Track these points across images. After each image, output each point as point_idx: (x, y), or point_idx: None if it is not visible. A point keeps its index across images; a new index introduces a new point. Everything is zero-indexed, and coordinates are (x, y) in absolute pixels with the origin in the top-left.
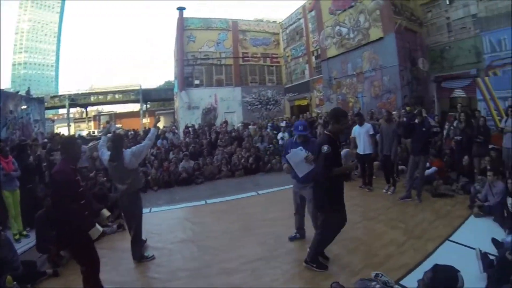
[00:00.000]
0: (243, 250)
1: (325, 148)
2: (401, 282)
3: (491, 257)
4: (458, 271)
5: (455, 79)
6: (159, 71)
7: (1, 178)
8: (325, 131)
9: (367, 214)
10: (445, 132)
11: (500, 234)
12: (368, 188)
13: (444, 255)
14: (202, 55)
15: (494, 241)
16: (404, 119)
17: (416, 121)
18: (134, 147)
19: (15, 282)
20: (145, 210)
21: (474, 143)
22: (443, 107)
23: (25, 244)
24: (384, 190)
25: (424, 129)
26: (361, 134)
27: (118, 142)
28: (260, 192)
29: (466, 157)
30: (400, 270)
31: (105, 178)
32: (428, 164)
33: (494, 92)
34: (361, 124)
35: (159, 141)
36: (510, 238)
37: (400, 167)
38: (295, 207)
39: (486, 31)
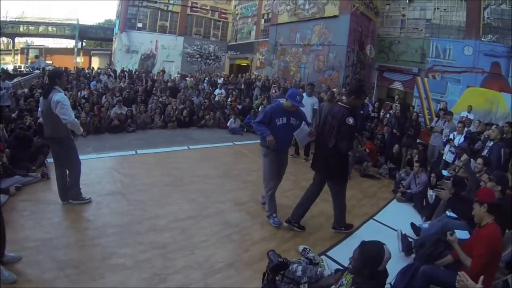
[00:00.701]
0: (173, 206)
1: (350, 120)
2: (327, 254)
3: (410, 240)
4: (384, 244)
5: (397, 72)
6: (100, 7)
7: None
8: (340, 103)
9: (299, 183)
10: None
11: (417, 220)
12: (304, 159)
13: (368, 232)
14: None
15: (413, 225)
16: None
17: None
18: (64, 105)
19: None
20: None
21: (405, 134)
22: (381, 95)
23: None
24: (304, 160)
25: (362, 112)
26: (307, 104)
27: (53, 77)
28: (191, 147)
29: (396, 146)
30: (328, 241)
31: (31, 118)
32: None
33: (430, 93)
34: (309, 95)
35: (92, 83)
36: (427, 224)
37: None
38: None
39: (435, 37)
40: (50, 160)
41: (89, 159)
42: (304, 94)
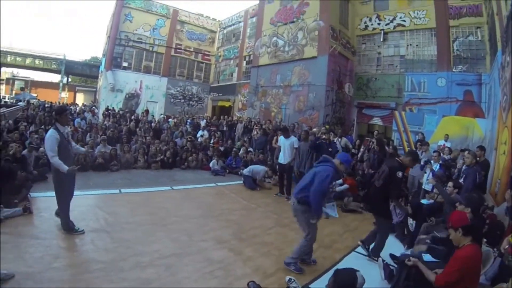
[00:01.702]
0: (157, 244)
1: (399, 174)
2: (310, 286)
3: (392, 267)
4: (357, 270)
5: (375, 108)
6: (87, 44)
7: None
8: (396, 158)
9: (281, 221)
10: (359, 154)
11: (400, 249)
12: (286, 197)
13: (350, 264)
14: (136, 38)
15: (392, 256)
16: (313, 137)
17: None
18: (46, 144)
19: None
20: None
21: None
22: (361, 131)
23: None
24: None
25: (330, 149)
26: (285, 145)
27: (55, 113)
28: (175, 187)
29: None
30: (310, 275)
31: (17, 145)
32: (341, 181)
33: (408, 126)
34: (286, 136)
35: (77, 120)
36: (409, 252)
37: None
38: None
39: (410, 71)
40: (33, 194)
41: (74, 196)
42: (282, 137)
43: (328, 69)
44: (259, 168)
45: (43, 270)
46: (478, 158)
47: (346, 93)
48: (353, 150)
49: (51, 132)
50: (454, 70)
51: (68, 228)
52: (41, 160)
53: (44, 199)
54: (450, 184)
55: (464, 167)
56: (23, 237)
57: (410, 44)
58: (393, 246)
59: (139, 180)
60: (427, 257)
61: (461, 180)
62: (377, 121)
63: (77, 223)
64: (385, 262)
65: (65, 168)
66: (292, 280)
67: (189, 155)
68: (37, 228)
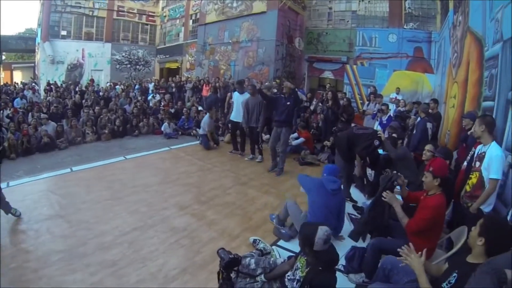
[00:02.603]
0: (117, 220)
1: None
2: (278, 244)
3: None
4: (322, 225)
5: (326, 61)
6: (20, 15)
7: None
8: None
9: (239, 179)
10: (312, 107)
11: (361, 198)
12: (240, 154)
13: None
14: (74, 2)
15: (354, 206)
16: (274, 90)
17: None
18: None
19: None
20: (2, 185)
21: (338, 120)
22: (313, 85)
23: None
24: (247, 159)
25: (288, 103)
26: (239, 101)
27: None
28: (128, 156)
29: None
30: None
31: None
32: (296, 135)
33: (360, 79)
34: (241, 92)
35: (17, 100)
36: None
37: (266, 136)
38: None
39: (361, 27)
40: None
41: (21, 184)
42: (236, 93)
43: (278, 24)
44: (204, 119)
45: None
46: (431, 110)
47: (296, 47)
48: (305, 103)
49: None
50: (405, 27)
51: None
52: None
53: None
54: (394, 134)
55: (418, 119)
56: None
57: (362, 0)
58: (354, 196)
59: (90, 154)
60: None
61: (415, 132)
62: (328, 74)
63: (29, 213)
64: (348, 213)
65: None
66: (258, 240)
67: (139, 120)
68: None
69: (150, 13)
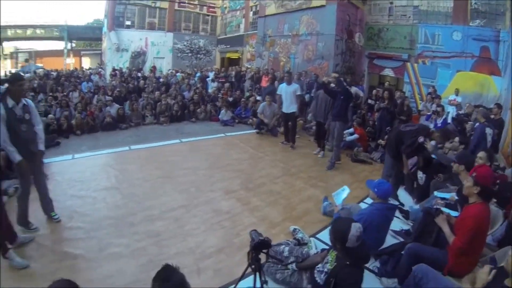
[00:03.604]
0: (165, 197)
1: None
2: (317, 236)
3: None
4: (354, 221)
5: (387, 58)
6: (88, 7)
7: None
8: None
9: (289, 170)
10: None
11: (408, 201)
12: (291, 146)
13: None
14: None
15: (400, 209)
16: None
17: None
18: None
19: None
20: (67, 157)
21: (396, 120)
22: (373, 82)
23: None
24: (315, 152)
25: (342, 97)
26: (288, 92)
27: (8, 82)
28: (183, 140)
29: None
30: (317, 224)
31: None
32: (352, 130)
33: (420, 78)
34: (289, 83)
35: (84, 83)
36: (418, 206)
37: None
38: None
39: (423, 23)
40: (46, 160)
41: (84, 157)
42: (283, 84)
43: (337, 18)
44: (260, 107)
45: (59, 231)
46: (493, 116)
47: (356, 43)
48: (369, 101)
49: None
50: (471, 24)
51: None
52: (51, 127)
53: (57, 164)
54: (456, 139)
55: (476, 124)
56: (38, 200)
57: None
58: (402, 198)
59: (148, 135)
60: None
61: (472, 138)
62: (388, 72)
63: (88, 183)
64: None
65: (16, 157)
66: (297, 230)
67: (197, 107)
68: (51, 192)
69: (211, 4)
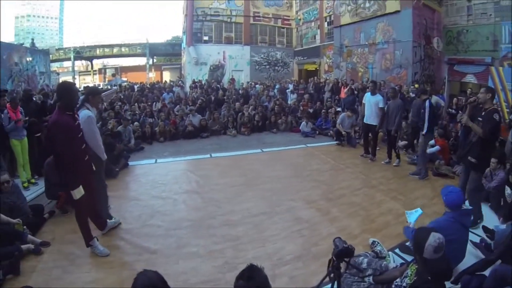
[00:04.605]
0: (246, 204)
1: (496, 116)
2: (395, 251)
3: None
4: (434, 231)
5: (468, 63)
6: (167, 26)
7: (9, 127)
8: None
9: (369, 182)
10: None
11: (494, 221)
12: (371, 159)
13: None
14: (212, 12)
15: (485, 228)
16: (412, 94)
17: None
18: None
19: (25, 227)
20: (150, 161)
21: None
22: (454, 90)
23: (33, 192)
24: (383, 162)
25: (422, 110)
26: (371, 102)
27: (90, 93)
28: (264, 150)
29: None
30: (395, 239)
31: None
32: (433, 142)
33: (507, 84)
34: (373, 93)
35: (165, 94)
36: (504, 226)
37: (401, 142)
38: None
39: (507, 20)
40: (131, 163)
41: (167, 162)
42: (368, 94)
43: (413, 23)
44: (340, 118)
45: (140, 227)
46: None
47: (435, 48)
48: (450, 110)
49: (88, 112)
50: None
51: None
52: (136, 133)
53: (141, 167)
54: None
55: None
56: (123, 198)
57: None
58: (487, 217)
59: (229, 144)
60: None
61: None
62: (470, 78)
63: (170, 186)
64: (481, 239)
65: (105, 155)
66: (376, 242)
67: (278, 118)
68: (135, 191)
69: (285, 17)
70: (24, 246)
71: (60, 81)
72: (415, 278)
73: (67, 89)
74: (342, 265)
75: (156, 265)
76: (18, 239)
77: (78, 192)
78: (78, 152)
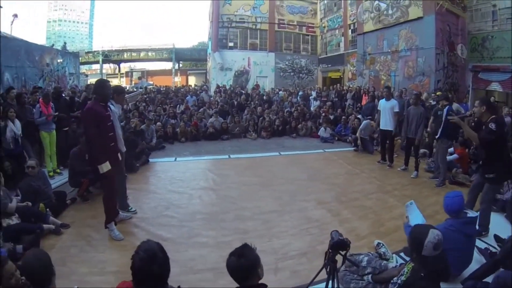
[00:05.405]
0: (259, 202)
1: (493, 126)
2: (400, 254)
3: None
4: (434, 228)
5: (493, 71)
6: (193, 32)
7: (40, 120)
8: None
9: (383, 187)
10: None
11: (508, 231)
12: (388, 165)
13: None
14: (238, 18)
15: (497, 237)
16: (432, 102)
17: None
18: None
19: (47, 209)
20: (170, 159)
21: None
22: (478, 98)
23: (58, 181)
24: (399, 169)
25: (450, 113)
26: (386, 108)
27: (115, 91)
28: (283, 153)
29: None
30: (403, 242)
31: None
32: (452, 150)
33: None
34: (388, 99)
35: (188, 97)
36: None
37: (421, 150)
38: None
39: None
40: (151, 159)
41: (186, 161)
42: (383, 100)
43: (436, 30)
44: (362, 124)
45: (155, 217)
46: None
47: (458, 55)
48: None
49: (113, 107)
50: None
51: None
52: (158, 133)
53: (161, 163)
54: None
55: None
56: (142, 191)
57: None
58: (501, 227)
59: (248, 147)
60: None
61: None
62: (496, 86)
63: (188, 182)
64: (485, 247)
65: (124, 148)
66: (381, 244)
67: (298, 123)
68: (153, 185)
69: (310, 25)
70: (45, 226)
71: (89, 82)
72: (409, 275)
73: (102, 84)
74: (340, 259)
75: (167, 251)
76: (41, 219)
77: (106, 166)
78: (107, 137)
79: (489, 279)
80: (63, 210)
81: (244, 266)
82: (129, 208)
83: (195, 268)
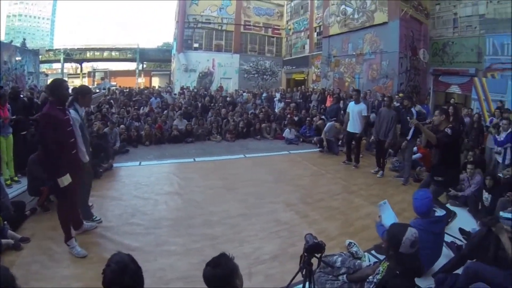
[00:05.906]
0: (225, 205)
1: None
2: (372, 252)
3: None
4: (411, 227)
5: (453, 74)
6: (158, 31)
7: None
8: None
9: (349, 188)
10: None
11: (471, 224)
12: (354, 165)
13: None
14: (204, 19)
15: (461, 230)
16: (396, 103)
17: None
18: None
19: (5, 222)
20: (135, 163)
21: (460, 139)
22: (439, 100)
23: (16, 189)
24: (372, 171)
25: (408, 117)
26: (354, 111)
27: (79, 93)
28: (247, 155)
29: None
30: (373, 241)
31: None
32: (415, 149)
33: (489, 94)
34: (357, 102)
35: (152, 99)
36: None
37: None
38: None
39: (491, 33)
40: (116, 164)
41: (150, 165)
42: (352, 103)
43: (400, 35)
44: (327, 126)
45: (120, 225)
46: None
47: (421, 59)
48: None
49: (73, 113)
50: None
51: (87, 216)
52: (122, 136)
53: (125, 168)
54: None
55: None
56: (106, 198)
57: (491, 1)
58: (465, 220)
59: (213, 150)
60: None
61: None
62: (455, 89)
63: (152, 187)
64: (451, 241)
65: (87, 157)
66: (353, 244)
67: (262, 124)
68: (118, 191)
69: (276, 26)
70: (3, 241)
71: (49, 82)
72: (384, 274)
73: (58, 84)
74: (315, 262)
75: None
76: None
77: (66, 179)
78: (66, 145)
79: (459, 271)
80: (22, 222)
81: (220, 276)
82: (94, 217)
83: (164, 278)
